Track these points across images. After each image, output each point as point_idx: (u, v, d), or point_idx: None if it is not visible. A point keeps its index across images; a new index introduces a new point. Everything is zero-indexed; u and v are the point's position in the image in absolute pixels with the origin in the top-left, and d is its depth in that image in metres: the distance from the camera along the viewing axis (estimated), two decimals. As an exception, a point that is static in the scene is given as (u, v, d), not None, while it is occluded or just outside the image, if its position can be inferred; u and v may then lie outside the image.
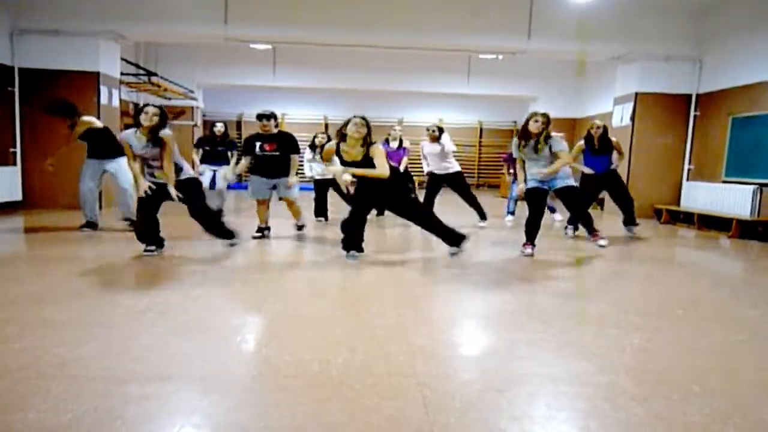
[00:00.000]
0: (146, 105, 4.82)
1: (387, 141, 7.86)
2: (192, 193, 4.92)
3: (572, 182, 5.55)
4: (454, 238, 5.20)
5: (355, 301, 3.87)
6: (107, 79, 8.77)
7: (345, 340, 2.83)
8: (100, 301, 3.50)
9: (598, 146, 6.74)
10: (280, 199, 6.22)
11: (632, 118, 9.54)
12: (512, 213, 8.46)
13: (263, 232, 6.14)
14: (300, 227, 6.53)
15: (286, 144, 5.99)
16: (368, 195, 5.04)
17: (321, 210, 7.88)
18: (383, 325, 3.14)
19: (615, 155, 6.85)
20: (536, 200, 5.43)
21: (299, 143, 6.24)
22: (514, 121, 17.35)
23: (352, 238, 5.09)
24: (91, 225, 6.22)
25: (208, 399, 2.13)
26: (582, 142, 6.89)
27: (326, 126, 16.53)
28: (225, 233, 5.26)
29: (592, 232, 5.93)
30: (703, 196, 8.85)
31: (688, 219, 8.79)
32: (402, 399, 2.16)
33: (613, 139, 6.97)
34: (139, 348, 2.64)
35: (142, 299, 3.51)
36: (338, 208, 7.73)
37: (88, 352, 2.55)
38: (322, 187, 7.74)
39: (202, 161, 8.12)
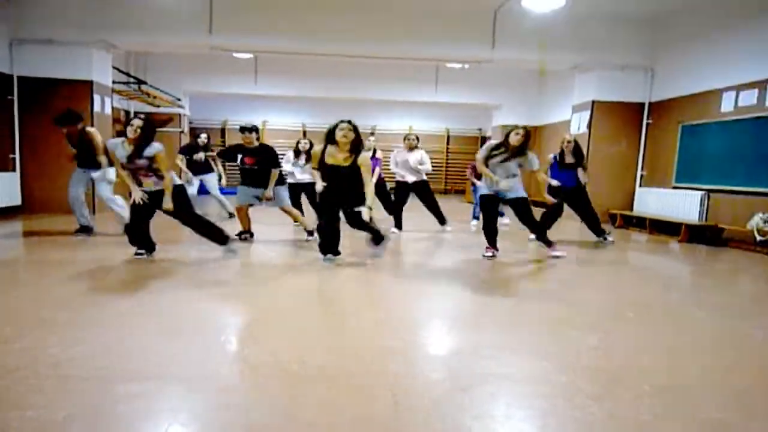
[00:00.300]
0: (134, 117, 4.96)
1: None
2: (178, 201, 4.97)
3: (523, 194, 5.68)
4: (378, 238, 5.41)
5: (331, 302, 4.05)
6: (100, 88, 8.96)
7: (321, 341, 2.97)
8: (94, 303, 3.60)
9: (569, 160, 6.88)
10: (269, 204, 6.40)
11: (589, 126, 9.84)
12: (477, 218, 8.60)
13: (242, 236, 6.27)
14: (310, 232, 6.48)
15: (266, 158, 6.12)
16: (333, 199, 5.08)
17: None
18: (357, 326, 3.28)
19: (580, 171, 6.96)
20: (490, 206, 5.67)
21: (279, 150, 6.35)
22: (479, 128, 17.73)
23: (330, 242, 5.18)
24: (85, 229, 6.31)
25: (194, 398, 2.24)
26: (551, 156, 7.06)
27: (304, 133, 16.71)
28: (219, 238, 5.27)
29: (548, 243, 5.94)
30: (654, 201, 9.15)
31: (640, 223, 9.08)
32: (373, 398, 2.24)
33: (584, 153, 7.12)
34: (129, 348, 2.75)
35: (133, 301, 3.66)
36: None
37: (82, 353, 2.64)
38: (295, 191, 7.74)
39: (192, 171, 8.38)
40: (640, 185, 9.83)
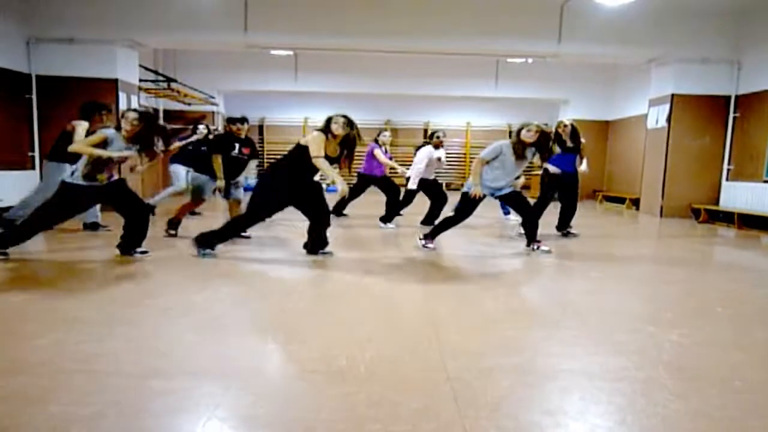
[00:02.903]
0: (127, 110, 4.75)
1: (376, 141, 7.77)
2: (124, 193, 4.77)
3: (514, 188, 5.41)
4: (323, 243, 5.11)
5: (378, 298, 3.79)
6: (126, 86, 8.88)
7: (372, 336, 2.83)
8: (118, 299, 3.52)
9: (569, 144, 6.57)
10: (226, 198, 6.16)
11: (668, 120, 9.37)
12: (509, 212, 8.20)
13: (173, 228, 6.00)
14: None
15: (254, 149, 6.26)
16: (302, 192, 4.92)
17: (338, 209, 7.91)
18: (411, 321, 3.14)
19: (578, 158, 6.65)
20: (472, 206, 5.30)
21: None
22: (546, 123, 17.17)
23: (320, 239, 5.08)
24: (93, 226, 6.24)
25: (231, 393, 2.13)
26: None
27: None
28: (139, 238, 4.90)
29: (533, 239, 5.52)
30: (743, 195, 8.69)
31: (727, 218, 8.65)
32: (432, 394, 2.14)
33: (583, 140, 6.77)
34: (160, 345, 2.67)
35: (158, 298, 3.57)
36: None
37: (110, 349, 2.56)
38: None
39: (179, 160, 8.03)
40: (727, 179, 9.25)
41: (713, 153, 9.35)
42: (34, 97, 8.51)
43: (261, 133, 16.71)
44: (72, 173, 4.58)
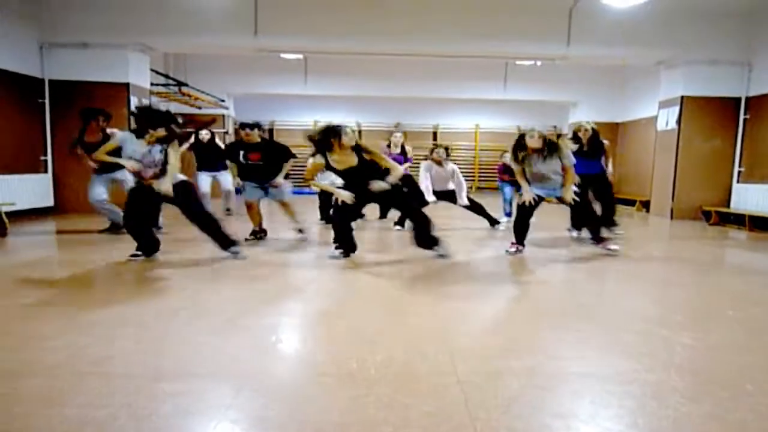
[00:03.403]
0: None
1: (388, 146, 7.85)
2: (187, 196, 4.85)
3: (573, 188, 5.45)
4: (430, 241, 5.13)
5: (388, 301, 3.78)
6: (137, 90, 8.96)
7: (382, 339, 2.83)
8: (132, 302, 3.55)
9: (587, 149, 6.53)
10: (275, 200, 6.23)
11: (678, 122, 9.33)
12: (509, 215, 8.23)
13: (257, 235, 6.12)
14: (300, 230, 6.29)
15: (272, 153, 6.04)
16: (363, 195, 5.00)
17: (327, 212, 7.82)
18: (419, 324, 3.14)
19: (605, 160, 6.65)
20: (529, 206, 5.43)
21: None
22: (554, 125, 17.09)
23: (342, 237, 5.12)
24: (116, 227, 6.27)
25: (243, 395, 2.14)
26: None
27: (360, 132, 16.60)
28: (224, 240, 5.04)
29: (599, 239, 5.59)
30: (754, 197, 8.62)
31: (738, 220, 8.57)
32: (442, 396, 2.15)
33: (606, 142, 6.77)
34: (173, 347, 2.69)
35: (172, 300, 3.59)
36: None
37: (122, 351, 2.59)
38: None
39: (199, 168, 8.33)
40: (738, 181, 9.18)
41: (724, 155, 9.30)
42: (47, 101, 8.64)
43: (271, 136, 16.58)
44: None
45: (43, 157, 8.65)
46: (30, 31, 8.36)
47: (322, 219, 7.88)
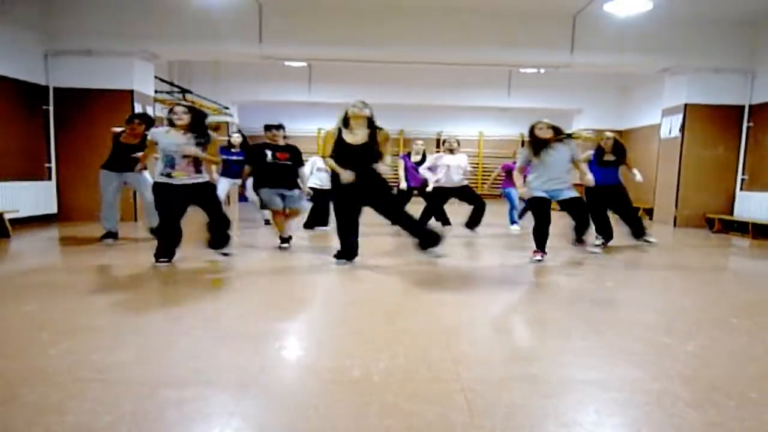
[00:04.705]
0: (175, 105, 4.98)
1: (409, 155, 8.07)
2: (210, 195, 5.00)
3: (576, 194, 5.47)
4: (428, 239, 5.22)
5: (390, 308, 3.77)
6: (141, 97, 8.99)
7: (384, 346, 2.82)
8: (133, 309, 3.54)
9: (608, 158, 6.57)
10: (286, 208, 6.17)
11: (682, 130, 9.33)
12: (516, 222, 8.49)
13: (288, 242, 6.11)
14: (286, 239, 6.15)
15: (296, 155, 6.15)
16: (353, 195, 5.02)
17: (321, 219, 7.86)
18: (423, 331, 3.13)
19: (629, 170, 6.73)
20: (541, 208, 5.44)
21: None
22: (559, 131, 17.14)
23: (351, 245, 5.15)
24: (112, 235, 6.25)
25: (246, 403, 2.14)
26: (590, 152, 6.68)
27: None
28: (225, 241, 5.15)
29: (581, 241, 5.72)
30: (757, 205, 8.60)
31: (741, 228, 8.57)
32: (445, 404, 2.14)
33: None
34: (175, 354, 2.68)
35: (174, 308, 3.59)
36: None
37: (125, 358, 2.57)
38: (322, 196, 7.50)
39: (223, 173, 8.30)
40: (741, 189, 9.16)
41: (727, 163, 9.30)
42: (51, 108, 8.64)
43: (276, 142, 16.83)
44: (159, 173, 4.86)
45: (47, 165, 8.67)
46: (35, 39, 8.38)
47: (313, 227, 7.90)
